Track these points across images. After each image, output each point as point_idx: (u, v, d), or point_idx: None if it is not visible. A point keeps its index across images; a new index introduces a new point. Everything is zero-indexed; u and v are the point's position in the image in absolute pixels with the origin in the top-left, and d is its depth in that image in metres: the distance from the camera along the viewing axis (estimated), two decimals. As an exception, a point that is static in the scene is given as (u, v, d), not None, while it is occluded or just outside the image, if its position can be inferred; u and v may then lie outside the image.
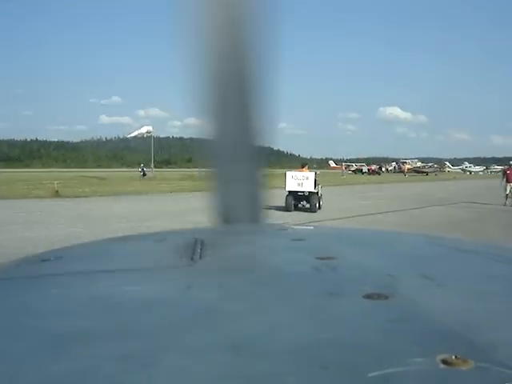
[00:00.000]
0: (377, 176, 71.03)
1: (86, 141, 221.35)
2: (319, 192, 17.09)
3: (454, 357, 0.47)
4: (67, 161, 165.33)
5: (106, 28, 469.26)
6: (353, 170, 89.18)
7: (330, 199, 18.63)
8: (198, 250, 0.99)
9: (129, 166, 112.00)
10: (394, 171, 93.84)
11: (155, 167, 62.27)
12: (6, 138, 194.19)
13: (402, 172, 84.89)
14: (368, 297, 0.66)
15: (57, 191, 23.40)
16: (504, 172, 22.02)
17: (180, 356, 0.50)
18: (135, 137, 63.67)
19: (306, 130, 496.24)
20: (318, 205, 16.71)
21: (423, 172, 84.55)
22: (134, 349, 0.52)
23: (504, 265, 1.00)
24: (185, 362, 0.49)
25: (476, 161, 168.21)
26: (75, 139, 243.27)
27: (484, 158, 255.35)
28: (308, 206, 16.62)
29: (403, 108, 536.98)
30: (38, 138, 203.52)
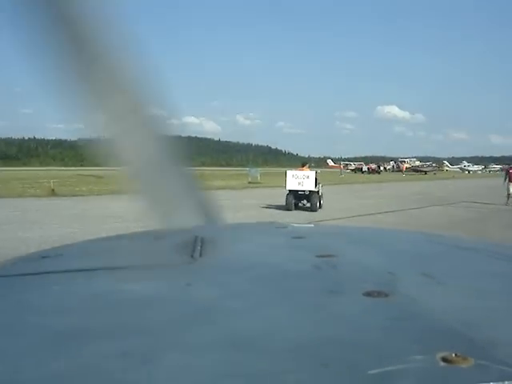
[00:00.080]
0: (376, 175, 70.80)
1: (82, 139, 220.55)
2: (320, 191, 17.02)
3: (453, 354, 0.47)
4: (65, 159, 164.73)
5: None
6: (352, 169, 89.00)
7: (330, 198, 18.48)
8: (198, 248, 0.99)
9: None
10: (393, 170, 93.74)
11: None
12: (3, 136, 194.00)
13: (401, 171, 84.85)
14: (368, 294, 0.67)
15: (53, 190, 23.15)
16: (507, 171, 21.78)
17: (180, 354, 0.50)
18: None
19: (303, 129, 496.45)
20: (318, 204, 16.64)
21: (422, 171, 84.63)
22: (135, 346, 0.52)
23: (504, 263, 1.01)
24: (185, 360, 0.49)
25: (474, 160, 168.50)
26: (73, 137, 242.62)
27: (482, 157, 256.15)
28: (309, 205, 16.54)
29: (401, 107, 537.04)
30: (36, 137, 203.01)
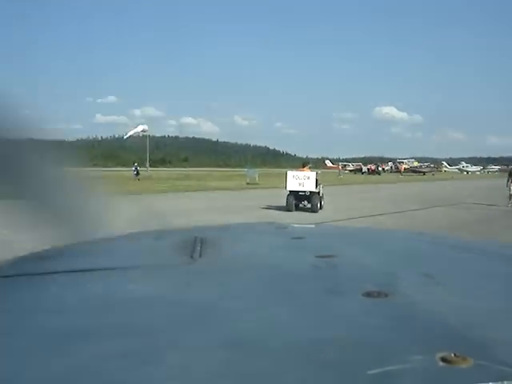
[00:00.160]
0: (374, 176, 70.59)
1: (81, 140, 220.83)
2: (320, 192, 16.85)
3: (453, 354, 0.47)
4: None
5: (103, 27, 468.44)
6: (352, 170, 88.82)
7: (329, 200, 18.26)
8: (198, 249, 0.99)
9: (124, 165, 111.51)
10: (391, 171, 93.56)
11: (150, 166, 61.97)
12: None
13: (399, 172, 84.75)
14: (368, 295, 0.67)
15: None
16: (510, 172, 21.54)
17: (180, 354, 0.51)
18: (131, 136, 63.41)
19: (301, 130, 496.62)
20: (319, 205, 16.47)
21: (420, 172, 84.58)
22: (134, 346, 0.52)
23: (503, 263, 1.00)
24: (185, 360, 0.49)
25: (472, 161, 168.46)
26: (71, 138, 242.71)
27: (480, 157, 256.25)
28: (309, 206, 16.39)
29: (399, 108, 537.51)
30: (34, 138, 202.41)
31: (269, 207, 16.83)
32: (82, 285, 0.79)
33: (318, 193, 16.50)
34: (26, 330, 0.58)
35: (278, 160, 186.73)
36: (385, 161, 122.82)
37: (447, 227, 12.17)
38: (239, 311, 0.63)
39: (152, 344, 0.52)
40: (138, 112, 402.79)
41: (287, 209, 16.09)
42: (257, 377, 0.46)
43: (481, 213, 17.37)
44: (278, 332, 0.55)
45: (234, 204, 16.48)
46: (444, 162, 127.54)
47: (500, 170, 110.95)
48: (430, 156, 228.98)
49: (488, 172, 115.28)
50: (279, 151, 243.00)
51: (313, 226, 2.97)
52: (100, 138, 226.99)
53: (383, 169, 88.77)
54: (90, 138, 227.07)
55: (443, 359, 0.46)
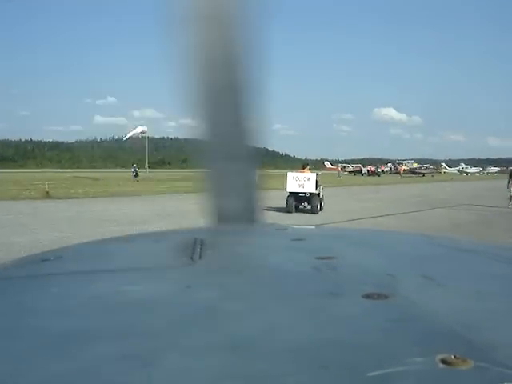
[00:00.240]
0: (373, 178, 70.54)
1: (80, 141, 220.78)
2: (321, 193, 16.82)
3: (453, 356, 0.47)
4: (62, 161, 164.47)
5: (103, 28, 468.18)
6: (352, 171, 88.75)
7: (329, 201, 18.24)
8: (198, 250, 0.98)
9: (123, 166, 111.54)
10: (390, 172, 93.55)
11: (150, 168, 61.92)
12: (0, 138, 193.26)
13: (398, 173, 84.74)
14: (368, 296, 0.67)
15: (47, 192, 22.76)
16: (510, 174, 21.50)
17: (180, 356, 0.51)
18: (130, 137, 63.42)
19: (300, 131, 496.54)
20: (319, 206, 16.44)
21: (420, 173, 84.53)
22: (134, 348, 0.52)
23: (503, 264, 1.00)
24: (185, 362, 0.49)
25: (471, 162, 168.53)
26: (70, 139, 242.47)
27: (479, 159, 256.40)
28: (309, 207, 16.35)
29: (398, 109, 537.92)
30: (33, 139, 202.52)
31: (268, 209, 16.67)
32: (82, 287, 0.79)
33: (318, 194, 16.47)
34: (27, 331, 0.58)
35: (277, 161, 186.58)
36: (384, 162, 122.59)
37: (448, 229, 12.06)
38: (239, 313, 0.63)
39: (152, 346, 0.52)
40: (137, 113, 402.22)
41: (287, 210, 16.04)
42: (257, 379, 0.46)
43: (481, 214, 17.33)
44: (278, 334, 0.55)
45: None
46: (443, 164, 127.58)
47: (499, 172, 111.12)
48: (429, 157, 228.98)
49: (487, 173, 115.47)
50: (278, 153, 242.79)
51: (313, 227, 2.94)
52: (99, 140, 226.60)
53: (382, 170, 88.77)
54: (90, 139, 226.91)
55: (443, 361, 0.46)
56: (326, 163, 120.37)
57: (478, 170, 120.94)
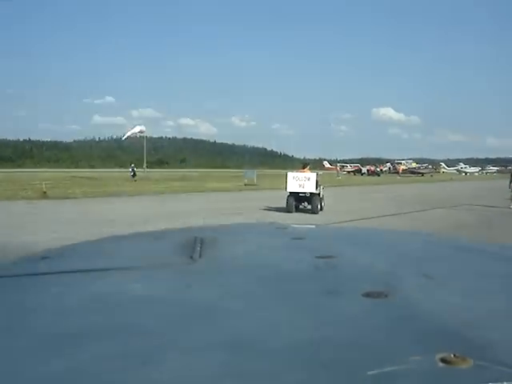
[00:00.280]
0: (372, 177, 70.36)
1: (78, 141, 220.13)
2: (321, 193, 16.73)
3: (452, 355, 0.47)
4: (60, 161, 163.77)
5: (101, 28, 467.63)
6: (352, 171, 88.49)
7: (329, 201, 18.05)
8: (198, 249, 0.98)
9: (122, 166, 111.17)
10: (389, 172, 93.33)
11: (148, 167, 61.76)
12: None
13: (397, 173, 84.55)
14: (367, 295, 0.67)
15: (44, 192, 22.48)
16: (511, 173, 21.35)
17: (180, 354, 0.51)
18: (128, 137, 63.25)
19: (299, 131, 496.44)
20: (319, 206, 16.35)
21: (418, 173, 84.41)
22: (135, 346, 0.52)
23: (502, 264, 0.99)
24: (185, 360, 0.50)
25: (469, 161, 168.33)
26: (68, 139, 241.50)
27: (477, 158, 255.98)
28: (309, 207, 16.27)
29: (396, 109, 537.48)
30: (31, 138, 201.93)
31: (268, 208, 16.58)
32: (82, 285, 0.78)
33: (319, 194, 16.40)
34: (27, 329, 0.58)
35: (276, 161, 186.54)
36: (382, 162, 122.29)
37: (450, 231, 11.88)
38: (239, 311, 0.63)
39: (152, 344, 0.52)
40: (135, 113, 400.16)
41: (287, 210, 16.00)
42: (257, 377, 0.46)
43: (482, 214, 17.15)
44: (278, 332, 0.55)
45: (232, 206, 16.22)
46: (442, 163, 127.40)
47: (498, 171, 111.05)
48: (428, 157, 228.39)
49: (486, 173, 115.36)
50: (277, 152, 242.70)
51: (313, 226, 2.92)
52: (98, 139, 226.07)
53: (381, 170, 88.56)
54: (88, 138, 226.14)
55: (443, 360, 0.46)
56: (325, 163, 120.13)
57: (477, 169, 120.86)
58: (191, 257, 0.93)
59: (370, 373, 0.44)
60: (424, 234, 1.48)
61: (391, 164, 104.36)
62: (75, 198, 22.31)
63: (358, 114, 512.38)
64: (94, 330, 0.56)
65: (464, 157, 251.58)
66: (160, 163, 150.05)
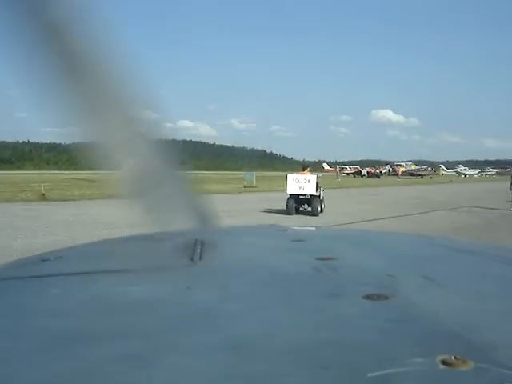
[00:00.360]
0: (372, 179, 70.30)
1: (77, 143, 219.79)
2: (321, 195, 16.70)
3: (453, 357, 0.47)
4: (59, 163, 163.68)
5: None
6: (352, 173, 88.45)
7: (329, 203, 17.99)
8: (198, 251, 0.99)
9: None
10: (388, 174, 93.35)
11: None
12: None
13: (396, 175, 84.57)
14: (368, 297, 0.67)
15: (43, 194, 22.39)
16: None
17: (180, 357, 0.51)
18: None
19: (298, 133, 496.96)
20: (320, 208, 16.33)
21: (418, 175, 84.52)
22: (135, 349, 0.52)
23: (504, 265, 1.00)
24: (185, 363, 0.49)
25: (469, 163, 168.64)
26: (67, 141, 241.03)
27: (476, 160, 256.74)
28: (310, 209, 16.24)
29: (395, 111, 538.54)
30: (30, 140, 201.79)
31: (268, 211, 16.53)
32: (81, 288, 0.78)
33: (319, 196, 16.37)
34: (27, 332, 0.58)
35: (275, 163, 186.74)
36: (381, 164, 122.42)
37: (451, 233, 11.81)
38: (240, 314, 0.63)
39: (152, 347, 0.52)
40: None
41: (287, 212, 15.97)
42: (258, 380, 0.46)
43: (483, 217, 17.08)
44: (279, 335, 0.55)
45: (232, 208, 16.13)
46: (442, 165, 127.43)
47: (498, 173, 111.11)
48: (427, 159, 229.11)
49: (486, 175, 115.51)
50: (276, 154, 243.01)
51: (313, 228, 2.92)
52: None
53: (380, 172, 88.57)
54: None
55: (443, 362, 0.46)
56: (324, 165, 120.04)
57: (476, 171, 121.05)
58: (192, 259, 0.93)
59: (370, 375, 0.44)
60: (424, 235, 1.45)
61: (390, 166, 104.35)
62: (74, 200, 22.23)
63: (357, 116, 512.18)
64: (94, 332, 0.57)
65: (463, 159, 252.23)
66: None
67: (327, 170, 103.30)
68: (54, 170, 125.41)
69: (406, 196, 28.99)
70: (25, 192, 24.82)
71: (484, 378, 0.45)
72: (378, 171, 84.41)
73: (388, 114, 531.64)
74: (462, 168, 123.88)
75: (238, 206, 18.09)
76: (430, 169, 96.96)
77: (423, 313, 0.62)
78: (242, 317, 0.62)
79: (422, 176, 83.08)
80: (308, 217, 15.56)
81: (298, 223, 13.42)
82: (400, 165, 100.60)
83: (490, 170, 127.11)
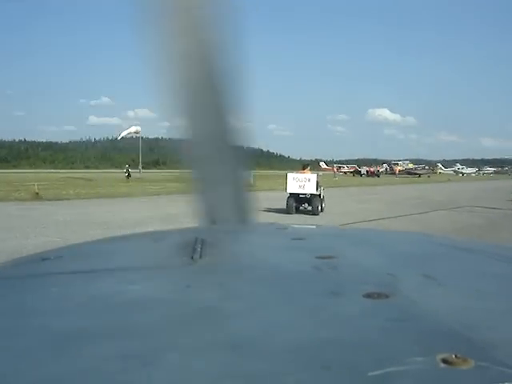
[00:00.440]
0: (370, 178, 70.13)
1: (74, 141, 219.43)
2: (321, 194, 16.50)
3: (454, 356, 0.48)
4: (55, 162, 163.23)
5: (98, 29, 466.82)
6: (351, 172, 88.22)
7: (329, 202, 17.77)
8: (198, 249, 0.98)
9: (117, 166, 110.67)
10: (386, 173, 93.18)
11: (144, 168, 61.40)
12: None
13: (394, 174, 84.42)
14: (368, 296, 0.67)
15: (37, 193, 22.04)
16: None
17: (180, 355, 0.51)
18: (124, 137, 62.99)
19: (295, 132, 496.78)
20: (320, 207, 16.13)
21: (415, 174, 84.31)
22: (134, 348, 0.53)
23: (504, 264, 1.00)
24: (185, 362, 0.49)
25: (466, 162, 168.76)
26: (64, 140, 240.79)
27: (473, 159, 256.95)
28: (310, 208, 16.05)
29: (392, 110, 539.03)
30: (27, 139, 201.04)
31: (268, 210, 16.15)
32: (81, 286, 0.78)
33: (319, 195, 16.18)
34: (26, 331, 0.58)
35: (272, 162, 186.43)
36: (379, 162, 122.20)
37: (452, 232, 11.55)
38: (240, 312, 0.63)
39: (152, 346, 0.52)
40: (131, 113, 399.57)
41: (287, 211, 15.80)
42: (257, 379, 0.46)
43: (485, 217, 16.79)
44: (279, 333, 0.55)
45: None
46: (439, 164, 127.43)
47: (495, 172, 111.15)
48: (424, 158, 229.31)
49: (483, 174, 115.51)
50: (273, 153, 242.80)
51: (313, 226, 2.90)
52: (93, 140, 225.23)
53: (378, 170, 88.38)
54: (84, 139, 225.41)
55: (444, 360, 0.46)
56: (321, 164, 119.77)
57: (473, 170, 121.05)
58: (192, 257, 0.91)
59: (371, 373, 0.44)
60: (425, 234, 1.44)
61: (388, 165, 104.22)
62: (68, 199, 21.89)
63: (354, 115, 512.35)
64: (94, 330, 0.56)
65: (460, 157, 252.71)
66: (156, 164, 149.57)
67: (324, 169, 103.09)
68: (51, 168, 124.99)
69: (405, 195, 28.72)
70: (19, 191, 24.49)
71: (484, 376, 0.44)
72: (377, 170, 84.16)
73: (385, 113, 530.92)
74: (460, 167, 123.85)
75: (236, 206, 17.76)
76: (427, 168, 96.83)
77: (424, 311, 0.62)
78: (242, 315, 0.62)
79: (419, 175, 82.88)
80: (308, 216, 15.34)
81: (299, 223, 13.12)
82: (397, 164, 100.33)
83: (488, 168, 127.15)
